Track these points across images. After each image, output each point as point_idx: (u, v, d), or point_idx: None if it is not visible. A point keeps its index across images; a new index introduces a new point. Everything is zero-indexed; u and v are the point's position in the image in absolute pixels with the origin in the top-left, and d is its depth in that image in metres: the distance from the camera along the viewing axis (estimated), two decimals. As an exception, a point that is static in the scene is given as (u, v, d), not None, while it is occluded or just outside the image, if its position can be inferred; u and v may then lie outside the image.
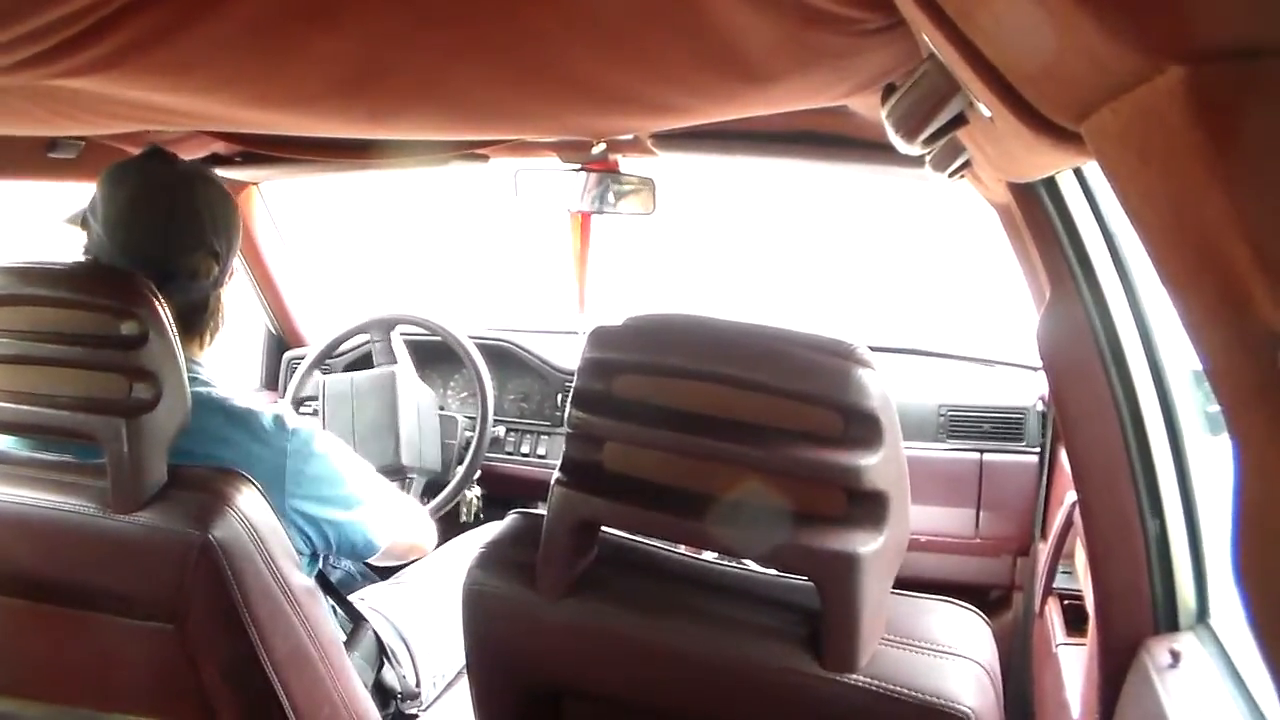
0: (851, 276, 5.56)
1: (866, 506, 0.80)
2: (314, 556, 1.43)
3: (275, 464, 1.31)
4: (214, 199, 1.38)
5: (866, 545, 0.79)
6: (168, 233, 1.34)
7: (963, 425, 2.14)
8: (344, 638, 1.51)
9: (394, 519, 1.52)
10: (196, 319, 1.38)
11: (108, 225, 1.31)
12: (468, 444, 2.30)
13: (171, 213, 1.34)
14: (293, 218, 2.55)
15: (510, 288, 4.99)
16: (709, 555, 1.06)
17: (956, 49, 0.66)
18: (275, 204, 2.47)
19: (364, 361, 2.38)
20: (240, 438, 1.30)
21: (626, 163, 1.93)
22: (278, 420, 1.33)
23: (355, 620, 1.63)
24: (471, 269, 5.39)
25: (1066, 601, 1.64)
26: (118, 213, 1.31)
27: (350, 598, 1.68)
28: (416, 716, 1.66)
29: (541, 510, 0.94)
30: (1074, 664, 1.47)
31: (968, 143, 1.03)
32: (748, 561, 0.92)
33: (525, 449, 2.44)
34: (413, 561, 2.01)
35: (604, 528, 0.94)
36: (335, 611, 1.59)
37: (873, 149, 1.47)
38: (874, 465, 0.78)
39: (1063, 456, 1.76)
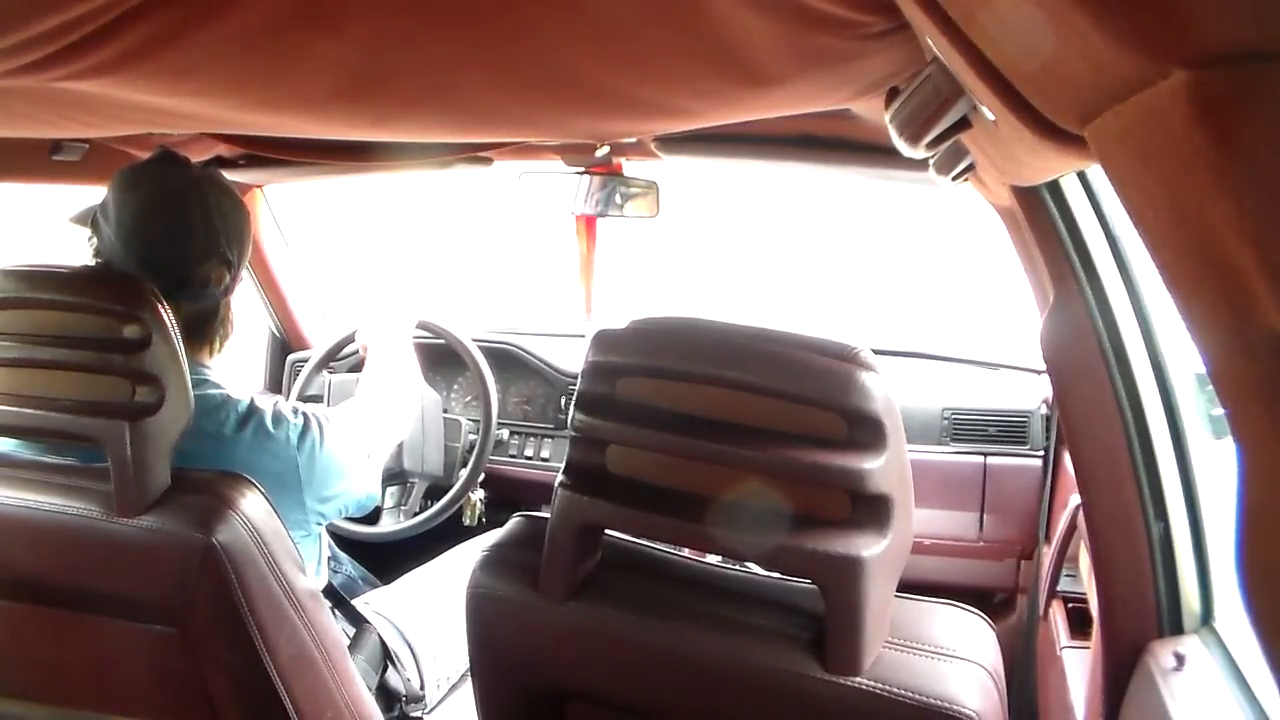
0: (855, 280, 5.55)
1: (870, 510, 0.80)
2: (322, 562, 1.44)
3: (288, 462, 1.32)
4: (226, 206, 1.38)
5: (870, 548, 0.79)
6: (182, 241, 1.34)
7: (967, 428, 2.14)
8: (348, 641, 1.51)
9: (375, 458, 1.55)
10: (207, 326, 1.39)
11: (121, 231, 1.31)
12: (471, 447, 2.30)
13: (186, 221, 1.34)
14: (297, 221, 2.56)
15: (517, 292, 4.99)
16: (712, 558, 1.06)
17: (960, 52, 0.66)
18: (279, 207, 2.48)
19: None
20: (251, 438, 1.30)
21: (630, 166, 1.93)
22: (285, 417, 1.33)
23: (358, 624, 1.63)
24: (477, 273, 5.39)
25: (1071, 605, 1.63)
26: (131, 219, 1.31)
27: (354, 602, 1.68)
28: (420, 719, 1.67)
29: (545, 513, 0.94)
30: (1078, 667, 1.47)
31: (971, 146, 1.03)
32: (751, 565, 0.92)
33: (529, 452, 2.43)
34: (416, 565, 2.01)
35: (607, 531, 0.94)
36: (336, 615, 1.59)
37: (876, 153, 1.47)
38: (877, 468, 0.78)
39: (1066, 460, 1.76)
